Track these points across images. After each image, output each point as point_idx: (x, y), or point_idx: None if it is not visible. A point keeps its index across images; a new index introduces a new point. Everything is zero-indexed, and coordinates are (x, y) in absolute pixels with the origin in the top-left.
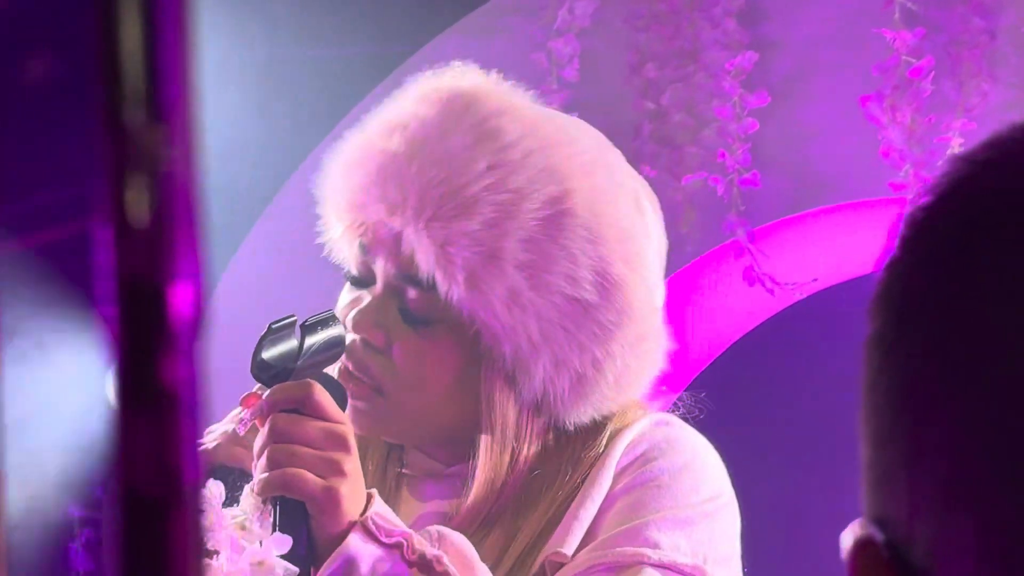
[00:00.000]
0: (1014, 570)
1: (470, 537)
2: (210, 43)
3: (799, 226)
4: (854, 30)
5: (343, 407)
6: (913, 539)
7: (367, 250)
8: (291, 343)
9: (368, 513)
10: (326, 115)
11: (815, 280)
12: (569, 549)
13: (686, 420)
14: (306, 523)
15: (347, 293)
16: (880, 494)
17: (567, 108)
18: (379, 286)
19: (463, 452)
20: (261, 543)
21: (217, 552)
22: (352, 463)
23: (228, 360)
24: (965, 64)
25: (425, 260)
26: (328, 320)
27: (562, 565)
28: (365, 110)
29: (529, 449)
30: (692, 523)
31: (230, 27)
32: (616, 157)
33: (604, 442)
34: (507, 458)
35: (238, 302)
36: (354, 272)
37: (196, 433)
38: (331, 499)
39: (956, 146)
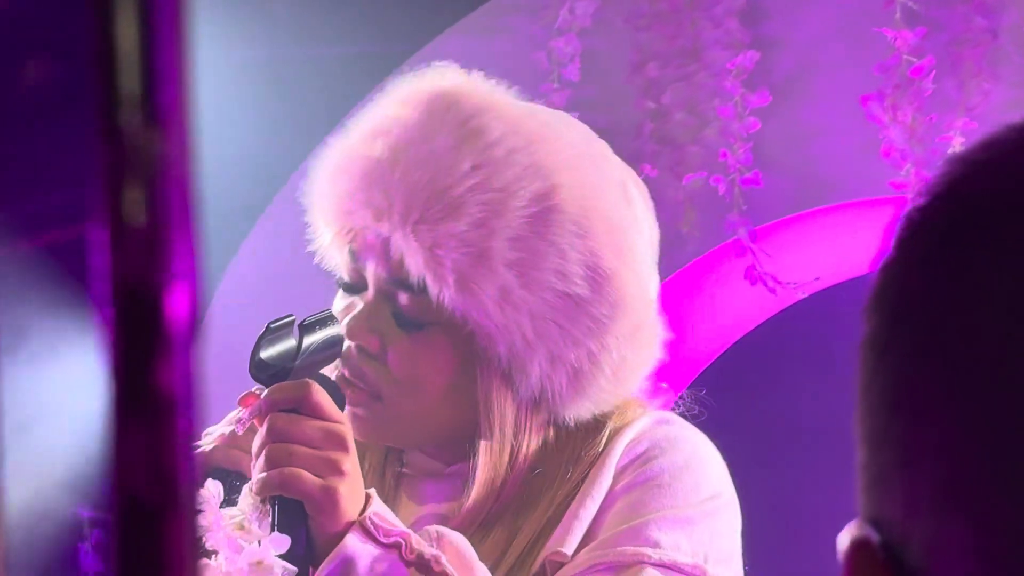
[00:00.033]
0: (1010, 571)
1: (471, 537)
2: (210, 42)
3: (801, 225)
4: (855, 29)
5: (341, 407)
6: (909, 540)
7: (357, 256)
8: (289, 342)
9: (366, 513)
10: (326, 115)
11: (817, 279)
12: (569, 549)
13: (686, 418)
14: (304, 523)
15: (340, 300)
16: (876, 495)
17: (568, 107)
18: (371, 292)
19: (463, 452)
20: (259, 543)
21: (215, 552)
22: (350, 463)
23: (228, 360)
24: (966, 63)
25: (414, 263)
26: (326, 319)
27: (562, 564)
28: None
29: (529, 447)
30: (693, 522)
31: (229, 26)
32: (602, 149)
33: (604, 441)
34: (507, 457)
35: (239, 303)
36: (346, 278)
37: (192, 437)
38: (329, 499)
39: (957, 145)
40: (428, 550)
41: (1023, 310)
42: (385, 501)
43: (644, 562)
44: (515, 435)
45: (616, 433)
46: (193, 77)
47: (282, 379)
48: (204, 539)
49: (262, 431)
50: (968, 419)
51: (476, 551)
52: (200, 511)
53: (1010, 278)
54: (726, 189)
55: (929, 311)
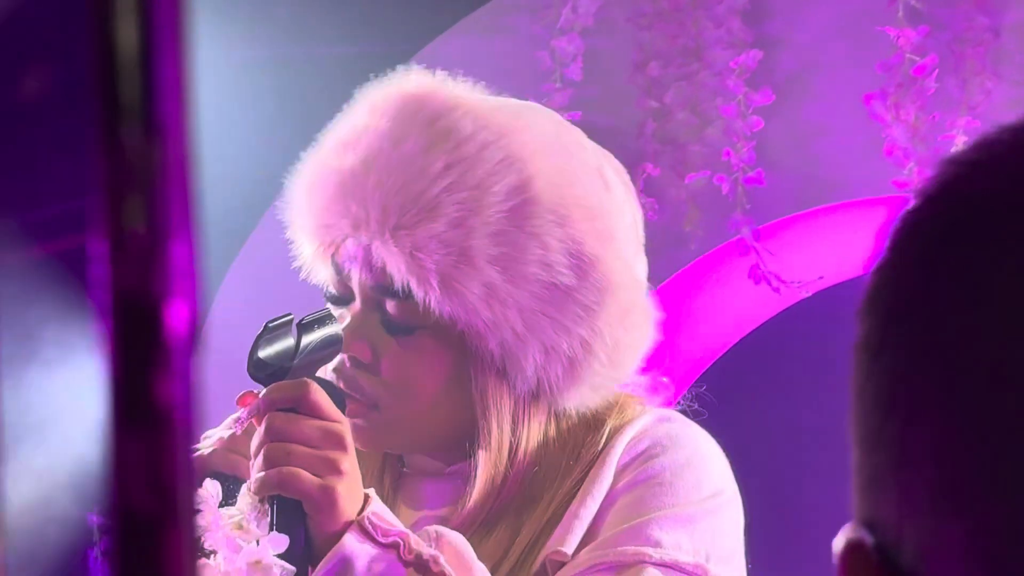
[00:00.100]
0: (1006, 572)
1: (472, 536)
2: (210, 42)
3: (804, 224)
4: (858, 28)
5: (341, 408)
6: (902, 542)
7: (340, 268)
8: (288, 342)
9: (365, 512)
10: (327, 115)
11: (821, 278)
12: (569, 548)
13: (687, 415)
14: (303, 522)
15: None
16: (870, 497)
17: (570, 107)
18: (358, 302)
19: (463, 452)
20: (258, 542)
21: (214, 552)
22: (349, 462)
23: (230, 358)
24: (969, 62)
25: (397, 269)
26: (325, 318)
27: (563, 564)
28: None
29: (528, 442)
30: (694, 521)
31: (230, 26)
32: (575, 136)
33: (604, 439)
34: (506, 453)
35: (240, 303)
36: (333, 291)
37: (190, 450)
38: (328, 498)
39: (960, 144)
40: (426, 550)
41: (1022, 310)
42: (385, 501)
43: (645, 562)
44: (513, 431)
45: (617, 431)
46: (193, 87)
47: (280, 378)
48: (202, 539)
49: (260, 430)
50: (965, 419)
51: (478, 551)
52: (198, 511)
53: (1009, 278)
54: (729, 188)
55: (926, 311)
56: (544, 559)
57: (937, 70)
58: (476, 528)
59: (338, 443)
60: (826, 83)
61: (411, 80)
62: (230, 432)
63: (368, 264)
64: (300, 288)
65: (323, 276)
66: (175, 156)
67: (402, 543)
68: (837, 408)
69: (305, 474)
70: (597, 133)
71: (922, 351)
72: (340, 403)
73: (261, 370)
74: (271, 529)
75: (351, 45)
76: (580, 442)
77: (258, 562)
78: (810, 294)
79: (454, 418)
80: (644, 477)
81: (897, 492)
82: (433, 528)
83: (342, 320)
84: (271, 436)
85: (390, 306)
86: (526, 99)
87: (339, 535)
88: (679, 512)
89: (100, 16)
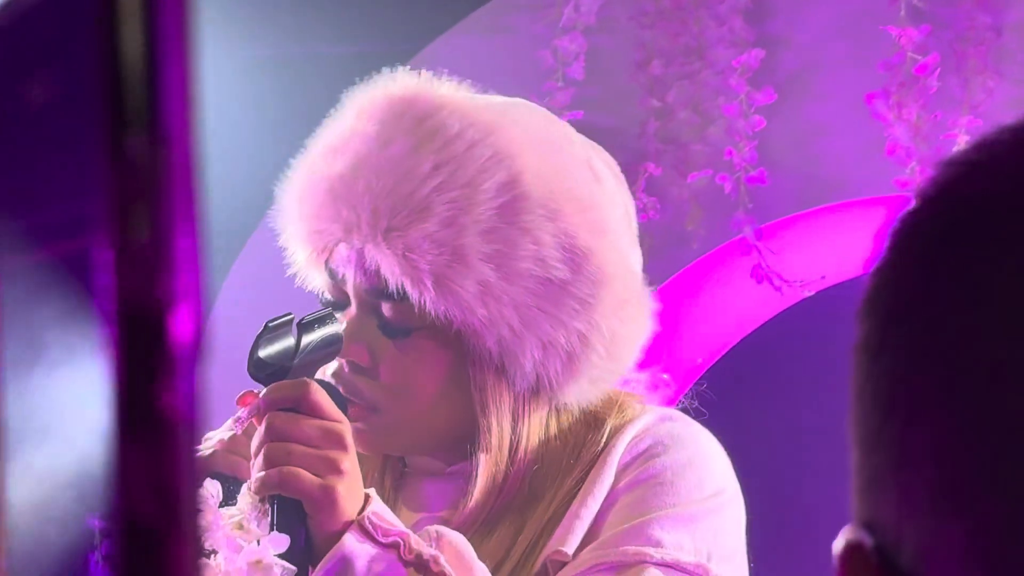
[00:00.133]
0: (1005, 572)
1: (474, 536)
2: (211, 42)
3: (806, 223)
4: (860, 27)
5: (342, 408)
6: (902, 542)
7: (335, 273)
8: (288, 341)
9: (365, 512)
10: (329, 115)
11: (823, 277)
12: (570, 548)
13: (688, 413)
14: (303, 522)
15: None
16: (869, 498)
17: (572, 106)
18: (353, 306)
19: (464, 451)
20: (258, 542)
21: (215, 551)
22: (350, 462)
23: (231, 357)
24: (971, 61)
25: (391, 272)
26: (325, 318)
27: (564, 564)
28: None
29: (529, 440)
30: (696, 520)
31: (231, 25)
32: (563, 129)
33: (605, 438)
34: (507, 451)
35: (243, 303)
36: (328, 297)
37: (194, 458)
38: (328, 498)
39: (962, 143)
40: (427, 550)
41: (1022, 310)
42: (386, 501)
43: (646, 561)
44: (514, 428)
45: (618, 430)
46: (199, 95)
47: (280, 378)
48: (203, 539)
49: (261, 430)
50: (965, 418)
51: (480, 550)
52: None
53: (1009, 278)
54: (731, 187)
55: (927, 311)
56: (545, 559)
57: (939, 69)
58: (478, 527)
59: (338, 443)
60: (828, 82)
61: (397, 82)
62: (231, 433)
63: (362, 268)
64: (301, 288)
65: (318, 282)
66: (180, 165)
67: (402, 543)
68: (839, 407)
69: (305, 474)
70: (599, 132)
71: (922, 351)
72: (342, 405)
73: (261, 370)
74: (271, 529)
75: (353, 44)
76: (581, 440)
77: (259, 562)
78: (812, 293)
79: (454, 418)
80: (645, 476)
81: (897, 492)
82: (434, 528)
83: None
84: (271, 436)
85: (386, 309)
86: (528, 98)
87: (339, 535)
88: (680, 512)
89: (106, 24)
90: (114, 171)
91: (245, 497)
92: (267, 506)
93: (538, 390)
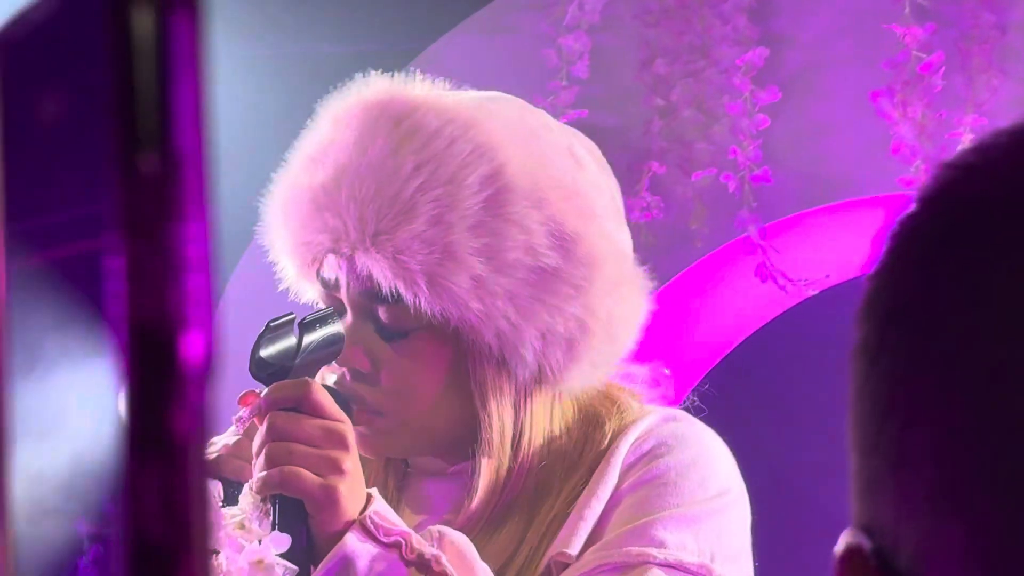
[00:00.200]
0: (1004, 572)
1: (478, 536)
2: (212, 41)
3: (811, 222)
4: (864, 25)
5: (345, 410)
6: (900, 544)
7: (327, 283)
8: (289, 341)
9: (367, 512)
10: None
11: (827, 276)
12: (574, 550)
13: (690, 412)
14: (305, 521)
15: None
16: (868, 501)
17: (576, 104)
18: (349, 314)
19: (466, 451)
20: (260, 542)
21: (216, 551)
22: (351, 461)
23: (233, 357)
24: (975, 59)
25: (383, 275)
26: (326, 317)
27: (568, 565)
28: None
29: (532, 432)
30: (699, 520)
31: (234, 23)
32: (541, 118)
33: (608, 438)
34: (509, 446)
35: (245, 303)
36: (323, 307)
37: (205, 480)
38: (329, 497)
39: (967, 141)
40: (428, 550)
41: (1020, 310)
42: (389, 501)
43: (649, 562)
44: (515, 421)
45: (622, 431)
46: (212, 112)
47: (282, 378)
48: (212, 557)
49: (262, 430)
50: (964, 419)
51: (484, 551)
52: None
53: (1008, 279)
54: (736, 186)
55: (926, 312)
56: (549, 560)
57: (944, 67)
58: (482, 527)
59: (340, 442)
60: (833, 81)
61: (369, 87)
62: (236, 439)
63: (354, 274)
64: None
65: (311, 295)
66: (194, 185)
67: (404, 543)
68: (844, 406)
69: (307, 473)
70: (603, 131)
71: (921, 352)
72: (345, 407)
73: (263, 369)
74: (273, 528)
75: (358, 42)
76: (584, 439)
77: (260, 561)
78: (816, 292)
79: (457, 416)
80: (649, 477)
81: (895, 494)
82: (436, 528)
83: None
84: (273, 435)
85: (382, 312)
86: (532, 97)
87: (341, 534)
88: (684, 512)
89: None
90: (126, 193)
91: (247, 497)
92: (269, 506)
93: (540, 380)
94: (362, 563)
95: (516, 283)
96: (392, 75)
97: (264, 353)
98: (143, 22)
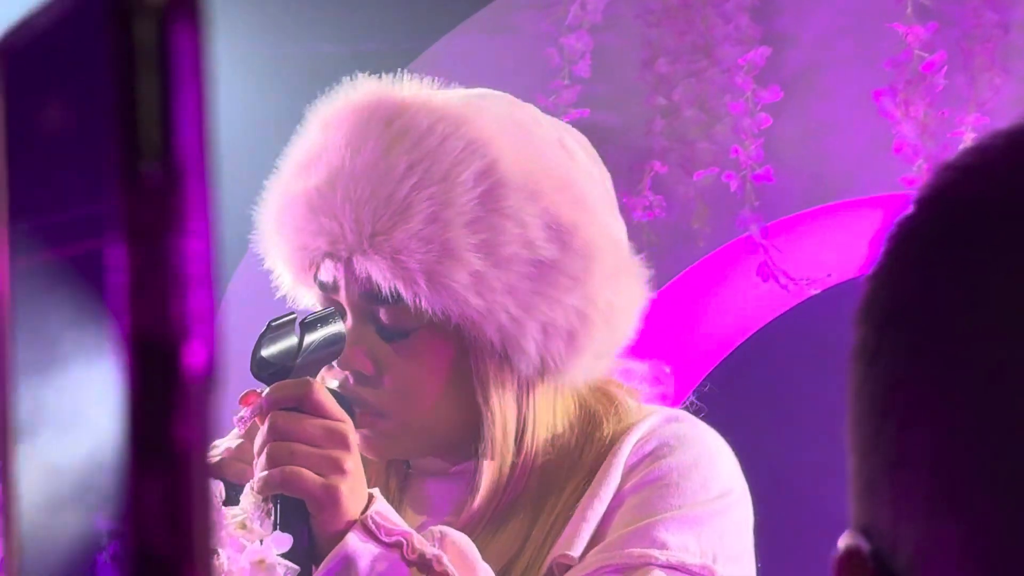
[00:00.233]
0: (1003, 573)
1: (480, 536)
2: (213, 39)
3: (813, 221)
4: (866, 25)
5: (349, 413)
6: (898, 546)
7: (326, 286)
8: (290, 340)
9: (368, 512)
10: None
11: (829, 275)
12: (576, 551)
13: (690, 411)
14: (306, 521)
15: None
16: (866, 502)
17: (579, 104)
18: (349, 317)
19: (470, 450)
20: (261, 541)
21: (217, 551)
22: (353, 461)
23: (234, 355)
24: (978, 58)
25: (382, 276)
26: (327, 317)
27: (570, 567)
28: None
29: (535, 428)
30: (702, 522)
31: (235, 23)
32: (530, 112)
33: (609, 439)
34: (512, 442)
35: (246, 303)
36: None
37: (208, 490)
38: (330, 497)
39: (969, 140)
40: (430, 550)
41: (1018, 311)
42: (391, 501)
43: (651, 564)
44: (518, 417)
45: (624, 432)
46: (215, 122)
47: (283, 377)
48: (216, 567)
49: (263, 429)
50: (962, 419)
51: (486, 551)
52: (216, 551)
53: (1006, 280)
54: (738, 185)
55: (925, 312)
56: (552, 562)
57: (946, 67)
58: (484, 526)
59: (341, 442)
60: (835, 80)
61: (357, 89)
62: (239, 442)
63: (352, 277)
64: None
65: (309, 300)
66: (196, 195)
67: (405, 543)
68: (845, 406)
69: (308, 473)
70: (605, 130)
71: (920, 353)
72: (348, 409)
73: (264, 369)
74: (274, 528)
75: (360, 42)
76: (585, 437)
77: (262, 561)
78: (818, 291)
79: (459, 416)
80: (651, 478)
81: (893, 495)
82: (437, 528)
83: None
84: (274, 435)
85: (382, 313)
86: (534, 97)
87: (342, 534)
88: (686, 513)
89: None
90: (128, 204)
91: (248, 497)
92: (270, 505)
93: (543, 373)
94: (363, 563)
95: (515, 277)
96: (386, 76)
97: (265, 353)
98: (145, 31)
